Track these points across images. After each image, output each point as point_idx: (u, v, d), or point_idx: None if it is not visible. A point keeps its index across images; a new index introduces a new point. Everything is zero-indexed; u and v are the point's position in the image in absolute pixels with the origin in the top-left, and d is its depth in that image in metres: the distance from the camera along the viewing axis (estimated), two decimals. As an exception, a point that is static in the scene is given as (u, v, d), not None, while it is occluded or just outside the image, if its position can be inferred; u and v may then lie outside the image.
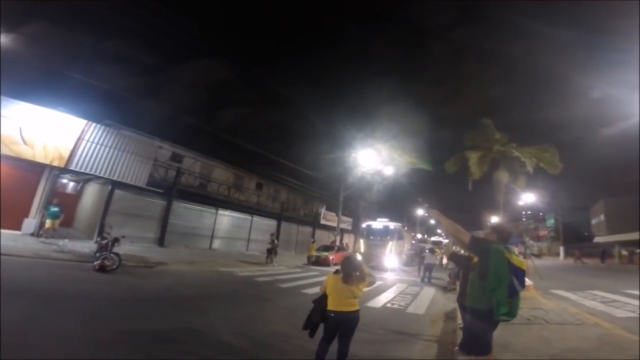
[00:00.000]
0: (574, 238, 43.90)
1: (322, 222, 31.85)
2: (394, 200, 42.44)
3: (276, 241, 17.68)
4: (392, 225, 23.00)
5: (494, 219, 18.96)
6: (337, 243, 24.79)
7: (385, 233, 22.10)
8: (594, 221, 46.45)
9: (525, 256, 21.00)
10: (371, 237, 22.22)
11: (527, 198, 23.02)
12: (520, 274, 2.94)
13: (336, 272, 3.67)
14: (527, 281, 9.69)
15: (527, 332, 5.40)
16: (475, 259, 3.18)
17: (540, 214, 44.25)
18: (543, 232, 46.57)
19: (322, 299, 3.59)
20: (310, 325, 3.58)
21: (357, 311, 3.54)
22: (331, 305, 3.48)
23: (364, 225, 24.46)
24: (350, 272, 3.54)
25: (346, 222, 33.45)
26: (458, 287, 6.32)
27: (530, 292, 9.64)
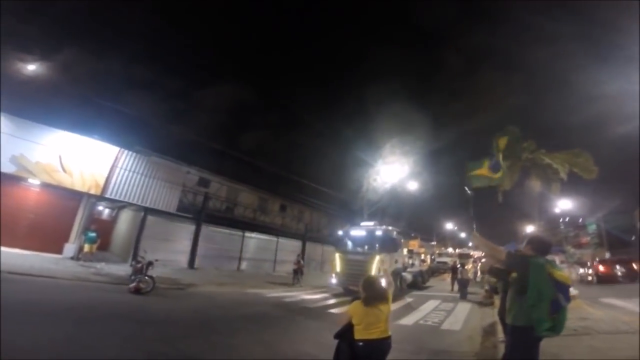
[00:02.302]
0: (620, 243, 40.81)
1: (348, 240, 31.46)
2: (420, 215, 41.53)
3: (302, 261, 17.60)
4: (379, 230, 14.56)
5: (530, 229, 18.07)
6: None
7: (370, 241, 14.19)
8: (639, 224, 43.15)
9: (568, 265, 19.71)
10: (349, 250, 14.63)
11: (564, 205, 21.86)
12: (564, 288, 2.85)
13: (356, 298, 3.36)
14: (572, 291, 9.06)
15: (576, 343, 5.03)
16: (513, 274, 3.04)
17: (580, 220, 41.65)
18: (585, 239, 43.66)
19: (345, 331, 3.27)
20: None
21: (389, 337, 3.23)
22: (361, 335, 3.13)
23: (339, 232, 16.39)
24: (373, 294, 3.25)
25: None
26: (497, 301, 6.02)
27: (576, 302, 8.99)
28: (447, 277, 25.52)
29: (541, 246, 3.12)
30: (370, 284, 3.36)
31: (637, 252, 32.38)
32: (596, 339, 5.28)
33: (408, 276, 15.83)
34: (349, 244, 14.97)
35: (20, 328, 4.68)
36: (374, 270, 12.30)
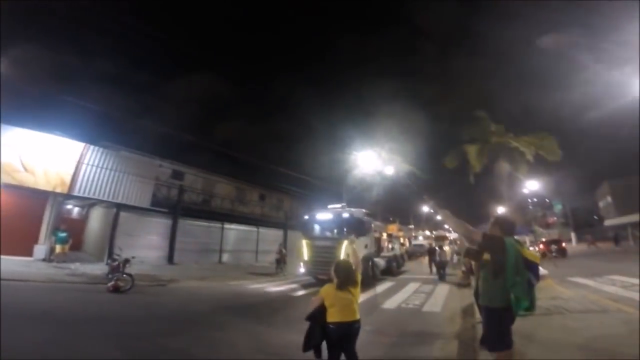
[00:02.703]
0: (584, 223, 43.62)
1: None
2: (398, 200, 42.40)
3: (284, 250, 17.63)
4: (346, 212, 13.74)
5: (500, 210, 18.90)
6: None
7: (338, 226, 13.35)
8: (601, 204, 46.10)
9: (537, 243, 20.87)
10: (316, 235, 13.68)
11: (531, 186, 22.92)
12: (534, 267, 2.93)
13: (329, 281, 3.46)
14: (542, 270, 9.61)
15: (549, 322, 5.34)
16: (486, 256, 3.06)
17: (547, 200, 43.93)
18: (552, 219, 46.21)
19: (318, 314, 3.32)
20: (311, 346, 3.28)
21: (359, 320, 3.34)
22: (332, 317, 3.23)
23: (305, 217, 14.97)
24: (345, 278, 3.34)
25: (352, 225, 33.39)
26: (473, 282, 6.26)
27: (547, 281, 9.56)
28: (425, 260, 26.32)
29: (508, 226, 3.19)
30: (342, 268, 3.44)
31: (600, 232, 34.77)
32: (568, 318, 5.60)
33: (381, 262, 14.86)
34: (316, 229, 13.98)
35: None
36: (341, 257, 11.07)
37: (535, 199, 41.29)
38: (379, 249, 15.84)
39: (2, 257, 11.65)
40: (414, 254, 31.31)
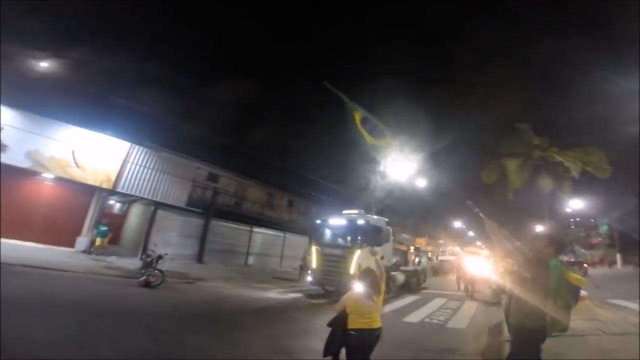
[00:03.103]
0: (633, 245, 39.99)
1: (355, 237, 31.54)
2: (429, 213, 41.26)
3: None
4: (362, 219, 12.21)
5: (539, 229, 17.82)
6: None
7: (352, 233, 12.11)
8: (653, 224, 42.16)
9: (577, 266, 19.46)
10: (327, 242, 12.61)
11: (575, 204, 21.49)
12: (576, 290, 2.89)
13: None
14: (582, 292, 8.95)
15: (583, 343, 5.01)
16: (525, 275, 2.99)
17: (592, 220, 40.85)
18: (596, 240, 42.92)
19: (339, 320, 3.39)
20: (331, 351, 3.36)
21: (380, 328, 3.36)
22: (354, 324, 3.27)
23: (317, 221, 13.64)
24: (369, 287, 3.39)
25: (379, 237, 32.85)
26: (503, 301, 5.97)
27: (585, 302, 8.88)
28: (452, 276, 25.24)
29: (561, 247, 3.17)
30: (367, 276, 3.50)
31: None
32: (603, 340, 5.25)
33: (399, 276, 13.58)
34: (327, 235, 12.94)
35: (34, 320, 4.84)
36: (353, 268, 10.36)
37: (578, 219, 38.50)
38: (405, 261, 15.46)
39: (47, 246, 12.72)
40: (440, 269, 30.15)
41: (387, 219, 13.65)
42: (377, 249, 11.51)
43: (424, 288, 16.46)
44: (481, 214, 3.65)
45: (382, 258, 11.81)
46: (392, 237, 13.48)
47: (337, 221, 12.91)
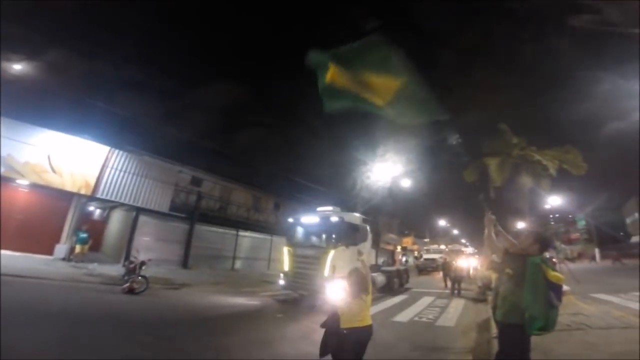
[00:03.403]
0: (609, 239, 41.75)
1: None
2: (415, 212, 41.78)
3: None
4: (336, 216, 11.00)
5: (521, 225, 18.29)
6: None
7: (327, 232, 11.08)
8: (628, 220, 44.11)
9: (558, 261, 20.07)
10: (299, 242, 11.69)
11: (554, 201, 22.17)
12: (557, 289, 2.88)
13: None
14: (564, 287, 9.19)
15: (569, 338, 5.11)
16: (508, 271, 3.03)
17: (570, 216, 42.33)
18: (575, 235, 44.49)
19: (332, 321, 3.42)
20: (327, 351, 3.35)
21: (371, 325, 3.44)
22: (347, 324, 3.33)
23: (289, 219, 12.73)
24: (360, 286, 3.46)
25: (366, 237, 32.97)
26: (490, 297, 6.08)
27: (568, 297, 9.14)
28: (437, 275, 25.10)
29: (546, 245, 3.19)
30: (355, 278, 3.53)
31: (627, 248, 33.15)
32: (589, 334, 5.37)
33: (380, 278, 13.34)
34: (300, 235, 12.03)
35: (15, 330, 4.60)
36: (327, 270, 9.61)
37: (557, 215, 39.79)
38: (392, 261, 15.50)
39: (24, 254, 12.18)
40: (424, 268, 30.03)
41: (364, 216, 12.52)
42: (353, 248, 10.63)
43: (408, 288, 15.94)
44: (486, 208, 3.71)
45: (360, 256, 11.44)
46: (370, 236, 12.30)
47: (309, 219, 11.91)
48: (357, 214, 12.36)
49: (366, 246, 11.97)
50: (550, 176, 15.00)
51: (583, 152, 14.68)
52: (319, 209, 12.39)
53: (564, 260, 20.87)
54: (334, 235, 10.59)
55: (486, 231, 3.47)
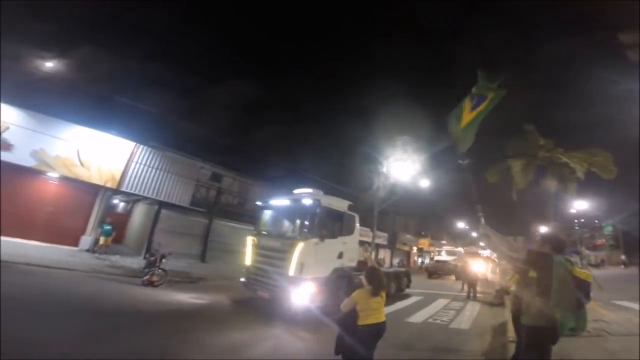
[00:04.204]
0: (637, 246, 39.80)
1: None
2: (432, 213, 41.14)
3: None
4: (313, 200, 8.51)
5: (544, 229, 17.72)
6: (373, 258, 24.20)
7: (300, 220, 8.80)
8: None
9: (581, 266, 19.34)
10: (265, 232, 9.54)
11: (580, 205, 21.36)
12: (586, 286, 2.87)
13: (361, 287, 3.59)
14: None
15: (589, 344, 4.98)
16: (532, 274, 2.97)
17: (596, 221, 40.53)
18: (600, 241, 42.61)
19: (348, 318, 3.47)
20: (344, 348, 3.44)
21: (385, 322, 3.52)
22: (365, 320, 3.39)
23: (258, 204, 10.73)
24: (379, 284, 3.49)
25: (381, 237, 32.77)
26: (507, 301, 5.95)
27: (590, 304, 8.83)
28: (449, 279, 24.39)
29: (558, 245, 3.13)
30: (375, 275, 3.56)
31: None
32: (609, 341, 5.22)
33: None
34: (268, 222, 9.85)
35: (39, 319, 4.88)
36: (293, 267, 7.52)
37: (582, 220, 38.19)
38: (407, 262, 14.49)
39: (51, 245, 12.81)
40: (435, 271, 27.94)
41: (350, 202, 9.99)
42: (331, 241, 8.53)
43: (406, 295, 13.22)
44: (480, 219, 3.65)
45: (340, 256, 8.90)
46: (357, 227, 10.03)
47: (280, 202, 9.54)
48: (341, 199, 9.80)
49: (351, 241, 9.55)
50: (578, 179, 14.43)
51: (614, 154, 14.06)
52: (296, 191, 10.04)
53: (587, 266, 20.10)
54: (306, 224, 8.24)
55: (487, 242, 3.43)
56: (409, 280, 14.10)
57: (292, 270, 7.58)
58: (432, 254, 33.43)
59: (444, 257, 29.89)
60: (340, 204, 9.55)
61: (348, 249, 9.27)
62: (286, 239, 8.42)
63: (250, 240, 9.33)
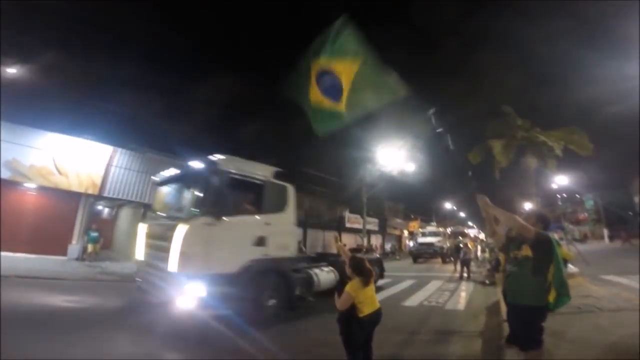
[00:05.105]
0: (618, 219, 41.44)
1: (348, 225, 31.72)
2: (420, 196, 41.72)
3: (304, 248, 17.79)
4: (203, 163, 6.05)
5: (528, 206, 18.22)
6: (365, 244, 24.48)
7: (190, 190, 6.45)
8: (636, 199, 43.65)
9: (566, 242, 20.07)
10: (156, 215, 7.30)
11: (561, 181, 22.02)
12: (565, 265, 3.04)
13: (349, 278, 3.51)
14: (573, 268, 9.20)
15: (580, 321, 5.13)
16: (526, 252, 2.96)
17: (577, 195, 41.92)
18: (582, 215, 44.16)
19: (349, 312, 3.40)
20: (357, 344, 3.39)
21: (381, 308, 3.54)
22: (365, 310, 3.37)
23: (153, 179, 8.33)
24: (368, 274, 3.47)
25: (372, 223, 33.09)
26: (500, 281, 6.08)
27: (577, 279, 9.13)
28: (436, 263, 23.65)
29: (547, 223, 3.23)
30: (359, 265, 3.52)
31: (635, 228, 32.92)
32: (600, 317, 5.38)
33: (324, 276, 7.84)
34: (162, 202, 7.61)
35: (39, 331, 4.72)
36: (174, 258, 5.32)
37: (564, 195, 39.41)
38: (399, 246, 14.23)
39: (39, 256, 12.42)
40: (420, 255, 25.88)
41: (278, 169, 7.14)
42: (239, 221, 6.07)
43: (401, 279, 12.74)
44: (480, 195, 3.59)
45: (260, 242, 6.21)
46: (293, 203, 7.25)
47: (174, 174, 7.22)
48: (262, 165, 7.03)
49: (281, 221, 6.85)
50: (557, 157, 15.00)
51: (592, 132, 14.61)
52: (215, 156, 6.43)
53: (572, 241, 20.82)
54: (204, 199, 5.81)
55: (485, 214, 3.44)
56: (382, 270, 11.21)
57: (171, 264, 5.40)
58: (416, 236, 32.52)
59: (428, 238, 26.99)
60: (259, 170, 6.74)
61: (276, 232, 6.50)
62: (169, 222, 6.09)
63: (141, 227, 7.02)
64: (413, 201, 44.08)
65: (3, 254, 11.21)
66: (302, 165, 26.85)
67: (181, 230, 5.39)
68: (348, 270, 3.55)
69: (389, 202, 39.19)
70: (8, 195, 12.80)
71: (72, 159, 13.74)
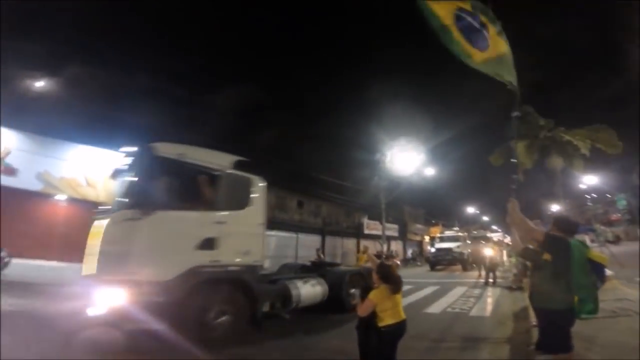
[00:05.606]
0: (654, 219, 39.07)
1: (366, 231, 31.44)
2: (443, 201, 40.90)
3: (322, 256, 17.72)
4: (138, 148, 5.29)
5: (555, 208, 17.53)
6: (385, 251, 24.12)
7: (123, 180, 5.53)
8: (675, 197, 41.08)
9: (598, 244, 19.05)
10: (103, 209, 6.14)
11: (589, 181, 21.05)
12: (600, 269, 2.85)
13: (375, 286, 3.38)
14: (607, 271, 8.70)
15: (615, 325, 4.86)
16: (546, 257, 2.91)
17: (608, 195, 39.83)
18: (615, 216, 41.87)
19: (370, 321, 3.32)
20: (373, 352, 3.32)
21: (405, 320, 3.37)
22: (388, 320, 3.23)
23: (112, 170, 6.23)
24: (397, 281, 3.34)
25: (392, 229, 32.63)
26: (527, 286, 5.83)
27: (612, 282, 8.65)
28: (455, 270, 22.04)
29: (568, 227, 3.07)
30: (387, 272, 3.40)
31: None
32: (636, 321, 5.08)
33: (311, 289, 6.80)
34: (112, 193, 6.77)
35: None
36: (89, 261, 5.04)
37: (594, 195, 37.52)
38: (421, 252, 14.15)
39: (69, 264, 12.89)
40: (438, 262, 23.99)
41: (241, 158, 6.14)
42: (179, 216, 4.96)
43: (424, 285, 12.79)
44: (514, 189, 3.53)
45: (207, 245, 5.00)
46: (261, 198, 6.33)
47: (118, 166, 5.93)
48: (220, 153, 6.05)
49: (242, 220, 5.66)
50: (584, 156, 14.46)
51: (618, 130, 13.99)
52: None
53: (605, 243, 19.73)
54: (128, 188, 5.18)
55: (509, 219, 3.34)
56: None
57: (87, 265, 4.94)
58: (434, 241, 30.51)
59: (445, 244, 24.97)
60: (213, 158, 5.68)
61: (233, 233, 5.32)
62: (97, 217, 5.47)
63: (95, 225, 5.61)
64: (435, 206, 43.32)
65: (37, 262, 11.76)
66: (319, 172, 26.99)
67: (99, 225, 4.75)
68: (375, 277, 3.41)
69: (409, 207, 38.62)
70: (41, 207, 13.43)
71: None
